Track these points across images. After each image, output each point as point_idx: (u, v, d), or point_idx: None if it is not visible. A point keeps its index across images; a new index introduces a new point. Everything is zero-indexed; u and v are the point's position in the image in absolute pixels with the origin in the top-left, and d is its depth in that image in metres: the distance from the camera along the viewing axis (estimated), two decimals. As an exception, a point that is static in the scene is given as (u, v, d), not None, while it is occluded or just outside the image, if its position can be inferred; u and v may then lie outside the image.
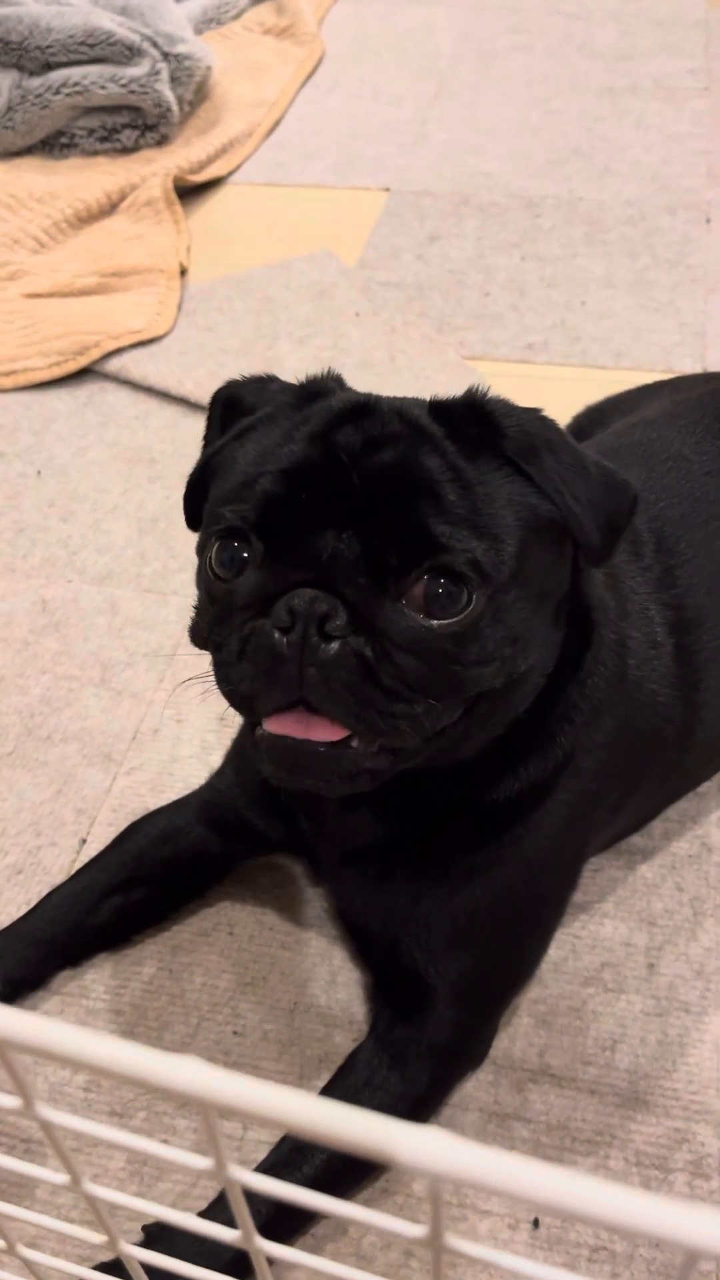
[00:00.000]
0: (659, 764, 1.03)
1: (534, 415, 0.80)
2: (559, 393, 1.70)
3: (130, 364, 1.80)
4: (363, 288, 1.96)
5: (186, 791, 1.14)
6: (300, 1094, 0.34)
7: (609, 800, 0.98)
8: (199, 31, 2.70)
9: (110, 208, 2.21)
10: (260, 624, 0.74)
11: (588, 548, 0.79)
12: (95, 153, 2.36)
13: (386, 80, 2.59)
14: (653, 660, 0.96)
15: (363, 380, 1.73)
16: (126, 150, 2.36)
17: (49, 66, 2.29)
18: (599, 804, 0.96)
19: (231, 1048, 1.02)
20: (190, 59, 2.37)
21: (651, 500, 1.03)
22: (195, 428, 1.71)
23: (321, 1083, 0.96)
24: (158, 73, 2.30)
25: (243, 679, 0.75)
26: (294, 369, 1.75)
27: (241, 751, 1.08)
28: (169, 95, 2.33)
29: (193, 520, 0.89)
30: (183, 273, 2.03)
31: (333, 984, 1.06)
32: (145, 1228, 0.87)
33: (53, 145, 2.36)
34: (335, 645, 0.72)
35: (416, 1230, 0.39)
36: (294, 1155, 0.87)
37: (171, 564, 1.50)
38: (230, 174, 2.32)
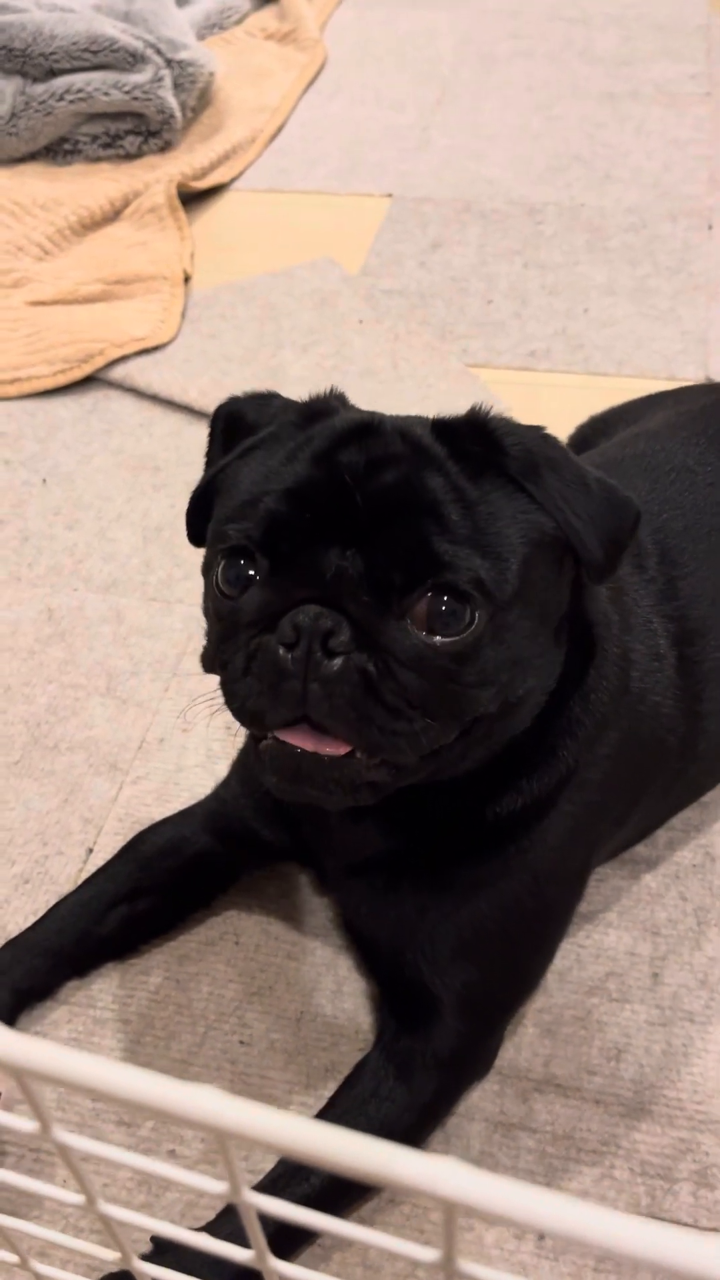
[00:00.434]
0: (663, 775, 1.03)
1: (536, 434, 0.81)
2: (561, 400, 1.71)
3: (134, 371, 1.81)
4: (365, 295, 1.97)
5: (193, 801, 1.14)
6: (317, 1124, 0.35)
7: (613, 812, 0.98)
8: (201, 37, 2.71)
9: (114, 214, 2.21)
10: (265, 640, 0.75)
11: (590, 564, 0.80)
12: (98, 159, 2.37)
13: (388, 86, 2.60)
14: (656, 672, 0.97)
15: (366, 388, 1.75)
16: (130, 157, 2.36)
17: (52, 73, 2.29)
18: (603, 816, 0.96)
19: (238, 1057, 1.03)
20: (193, 65, 2.37)
21: (655, 512, 1.03)
22: (199, 435, 1.71)
23: (328, 1092, 0.96)
24: (161, 79, 2.31)
25: (249, 694, 0.76)
26: (297, 377, 1.77)
27: (247, 762, 1.08)
28: (172, 101, 2.33)
29: (195, 537, 0.90)
30: (186, 280, 2.04)
31: (339, 994, 1.07)
32: (154, 1238, 0.88)
33: (56, 152, 2.37)
34: (339, 661, 0.73)
35: (430, 1255, 0.39)
36: (299, 1169, 0.88)
37: (176, 572, 1.50)
38: (233, 180, 2.32)
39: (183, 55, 2.36)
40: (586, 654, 0.89)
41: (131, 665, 1.39)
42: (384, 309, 1.93)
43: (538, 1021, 1.04)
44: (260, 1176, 0.90)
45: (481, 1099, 0.99)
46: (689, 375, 1.75)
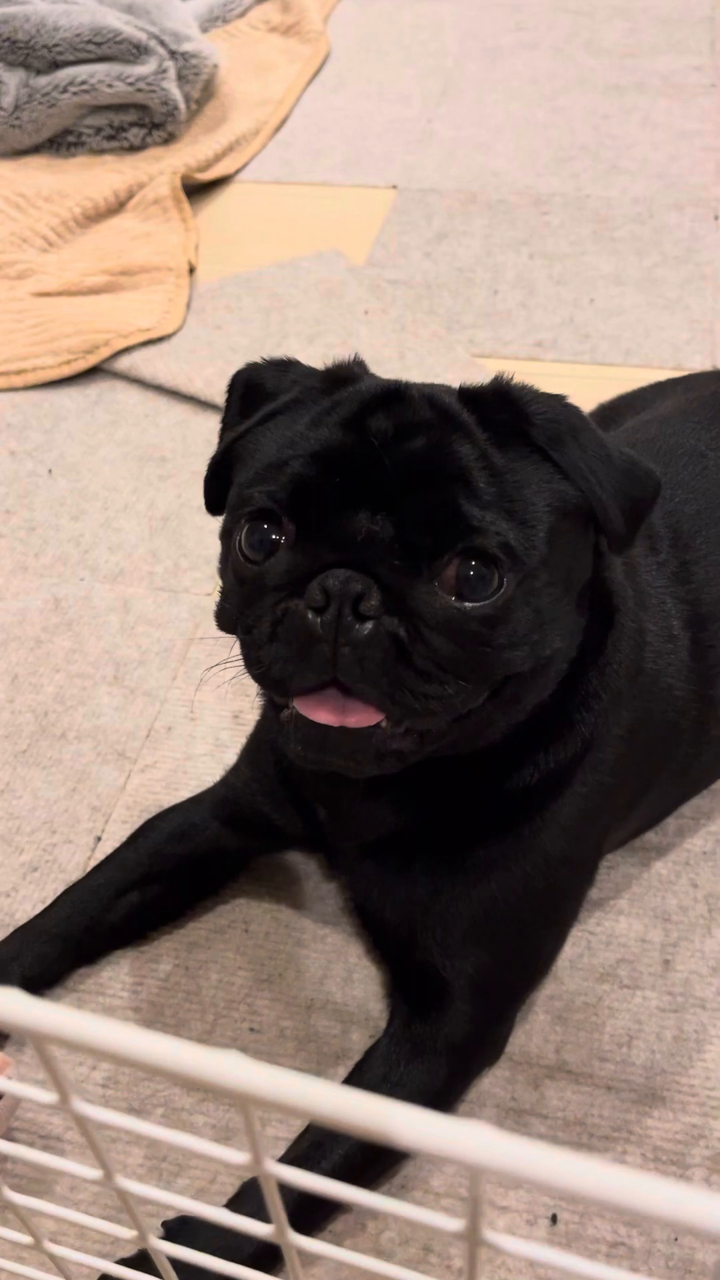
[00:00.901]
0: (674, 759, 1.03)
1: (560, 402, 0.81)
2: (568, 390, 1.69)
3: (140, 362, 1.80)
4: (371, 286, 1.96)
5: (201, 789, 1.14)
6: (339, 1088, 0.34)
7: (625, 795, 0.98)
8: (205, 29, 2.71)
9: (118, 206, 2.21)
10: (293, 604, 0.74)
11: (612, 534, 0.80)
12: (102, 151, 2.36)
13: (392, 78, 2.59)
14: (669, 654, 0.96)
15: (372, 378, 1.74)
16: (134, 148, 2.36)
17: (56, 65, 2.29)
18: (616, 798, 0.96)
19: (248, 1044, 1.02)
20: (197, 57, 2.37)
21: (667, 495, 1.03)
22: (205, 426, 1.71)
23: (338, 1080, 0.96)
24: (164, 71, 2.31)
25: (275, 660, 0.75)
26: (304, 367, 1.76)
27: (257, 746, 1.08)
28: (176, 93, 2.33)
29: (213, 505, 0.89)
30: (191, 271, 2.04)
31: (349, 981, 1.07)
32: (165, 1223, 0.87)
33: (60, 144, 2.36)
34: (369, 625, 0.72)
35: (454, 1224, 0.39)
36: (314, 1150, 0.87)
37: (183, 562, 1.50)
38: (237, 172, 2.32)
39: (186, 47, 2.36)
40: (605, 625, 0.89)
41: (139, 654, 1.39)
42: (390, 299, 1.93)
43: (549, 1008, 1.04)
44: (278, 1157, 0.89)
45: (492, 1085, 0.99)
46: (696, 364, 1.74)
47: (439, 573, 0.74)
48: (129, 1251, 0.84)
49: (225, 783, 1.11)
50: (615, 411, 1.34)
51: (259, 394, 0.85)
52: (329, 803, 0.95)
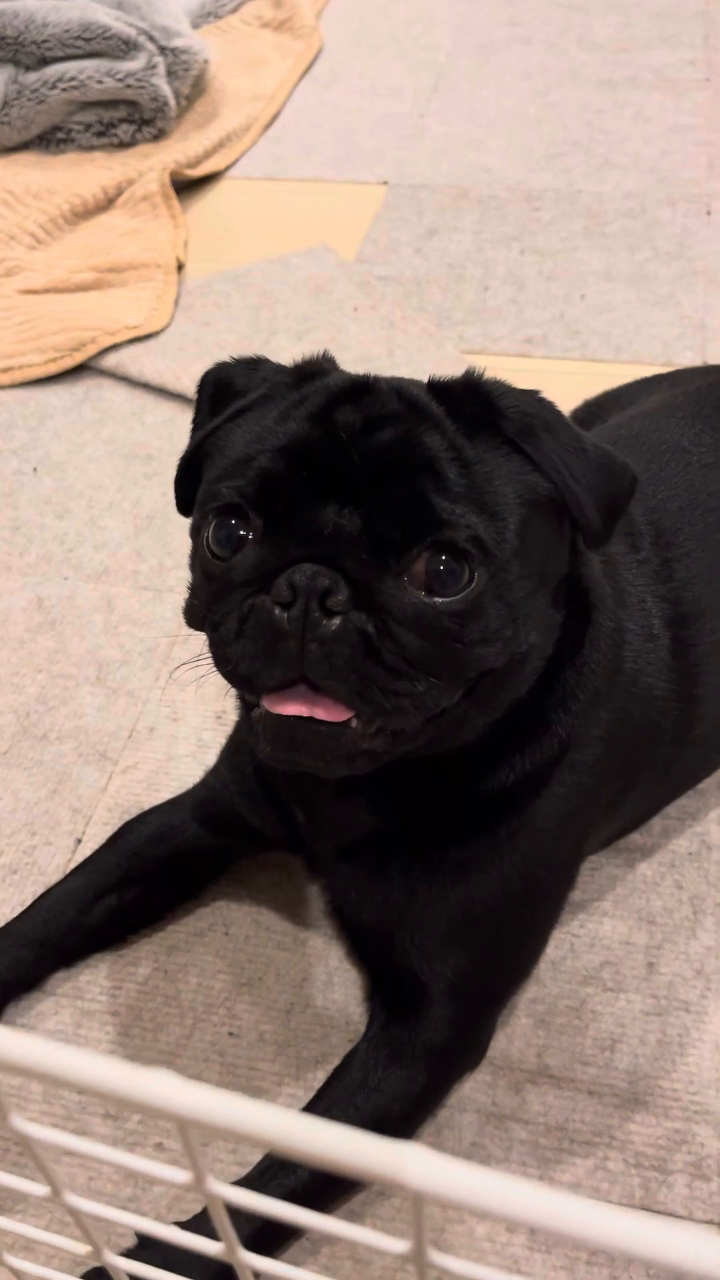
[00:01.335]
0: (656, 759, 1.02)
1: (532, 396, 0.80)
2: (559, 386, 1.67)
3: (127, 360, 1.79)
4: (361, 282, 1.95)
5: (182, 790, 1.13)
6: (278, 1110, 0.33)
7: (606, 796, 0.97)
8: (196, 25, 2.69)
9: (107, 203, 2.19)
10: (260, 600, 0.73)
11: (587, 529, 0.78)
12: (92, 148, 2.35)
13: (384, 73, 2.58)
14: (649, 653, 0.95)
15: (360, 375, 1.72)
16: (123, 145, 2.34)
17: (45, 61, 2.27)
18: (595, 800, 0.94)
19: (227, 1049, 1.01)
20: (187, 53, 2.35)
21: (649, 492, 1.02)
22: (192, 424, 1.70)
23: (318, 1084, 0.95)
24: (154, 67, 2.29)
25: (242, 657, 0.74)
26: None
27: (236, 748, 1.07)
28: (166, 89, 2.31)
29: (184, 506, 0.88)
30: (180, 268, 2.02)
31: (329, 985, 1.06)
32: (139, 1233, 0.86)
33: (49, 140, 2.35)
34: (337, 621, 0.71)
35: (399, 1246, 0.38)
36: (280, 1163, 0.86)
37: (168, 561, 1.49)
38: (228, 168, 2.30)
39: (177, 43, 2.34)
40: (582, 623, 0.87)
41: (122, 654, 1.37)
42: (379, 296, 1.92)
43: (531, 1011, 1.03)
44: (249, 1169, 0.88)
45: (473, 1090, 0.98)
46: (687, 361, 1.73)
47: (408, 567, 0.73)
48: (98, 1262, 0.83)
49: (205, 784, 1.10)
50: (600, 407, 1.33)
51: (228, 392, 0.84)
52: (305, 804, 0.94)
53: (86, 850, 1.13)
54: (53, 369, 1.79)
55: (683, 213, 2.05)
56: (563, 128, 2.33)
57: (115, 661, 1.36)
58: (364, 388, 0.78)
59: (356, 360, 1.77)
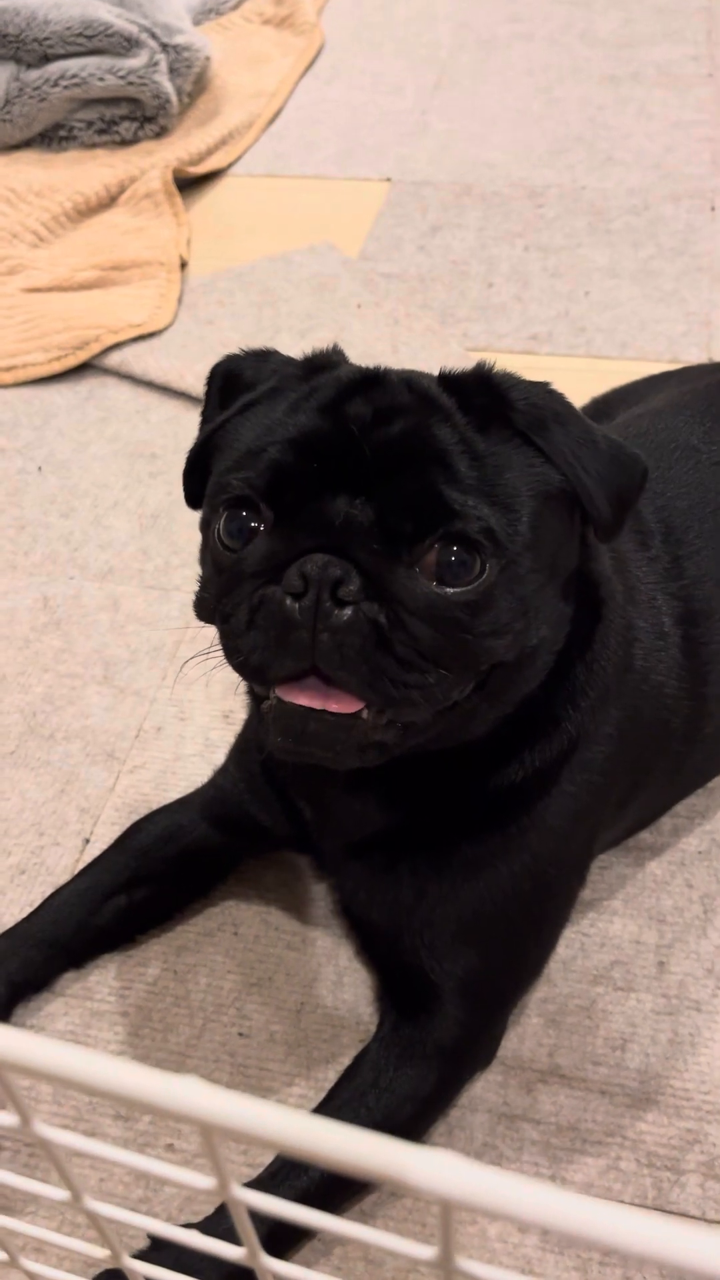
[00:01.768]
0: (666, 758, 1.01)
1: (543, 388, 0.80)
2: (564, 384, 1.67)
3: (131, 358, 1.79)
4: (364, 279, 1.94)
5: (191, 789, 1.12)
6: (302, 1115, 0.33)
7: (615, 794, 0.96)
8: (197, 22, 2.68)
9: (109, 201, 2.19)
10: (271, 591, 0.73)
11: (598, 521, 0.78)
12: (94, 145, 2.34)
13: (386, 70, 2.57)
14: (660, 651, 0.95)
15: (365, 373, 1.72)
16: (125, 142, 2.34)
17: (46, 59, 2.27)
18: (605, 798, 0.94)
19: (237, 1049, 1.01)
20: (189, 50, 2.35)
21: (659, 490, 1.01)
22: (196, 422, 1.69)
23: (329, 1085, 0.94)
24: (156, 64, 2.29)
25: (253, 648, 0.73)
26: (296, 362, 1.74)
27: (245, 746, 1.06)
28: (168, 86, 2.31)
29: (192, 499, 0.88)
30: (183, 265, 2.02)
31: (339, 984, 1.05)
32: (150, 1235, 0.86)
33: (51, 138, 2.35)
34: (349, 611, 0.71)
35: (427, 1252, 0.37)
36: (293, 1165, 0.86)
37: (174, 560, 1.48)
38: (230, 166, 2.30)
39: (178, 40, 2.34)
40: (592, 619, 0.87)
41: (129, 653, 1.37)
42: (383, 293, 1.91)
43: (541, 1011, 1.02)
44: (260, 1170, 0.88)
45: (484, 1090, 0.97)
46: (692, 357, 1.72)
47: (419, 558, 0.72)
48: (111, 1264, 0.82)
49: (213, 783, 1.09)
50: (608, 405, 1.33)
51: (237, 384, 0.84)
52: (313, 801, 0.94)
53: (94, 851, 1.13)
54: (56, 368, 1.79)
55: (687, 209, 2.05)
56: (566, 124, 2.32)
57: (122, 661, 1.36)
58: (374, 380, 0.77)
59: (361, 357, 1.75)
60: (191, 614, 1.40)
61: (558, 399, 0.80)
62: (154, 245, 2.03)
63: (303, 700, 0.72)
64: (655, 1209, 0.90)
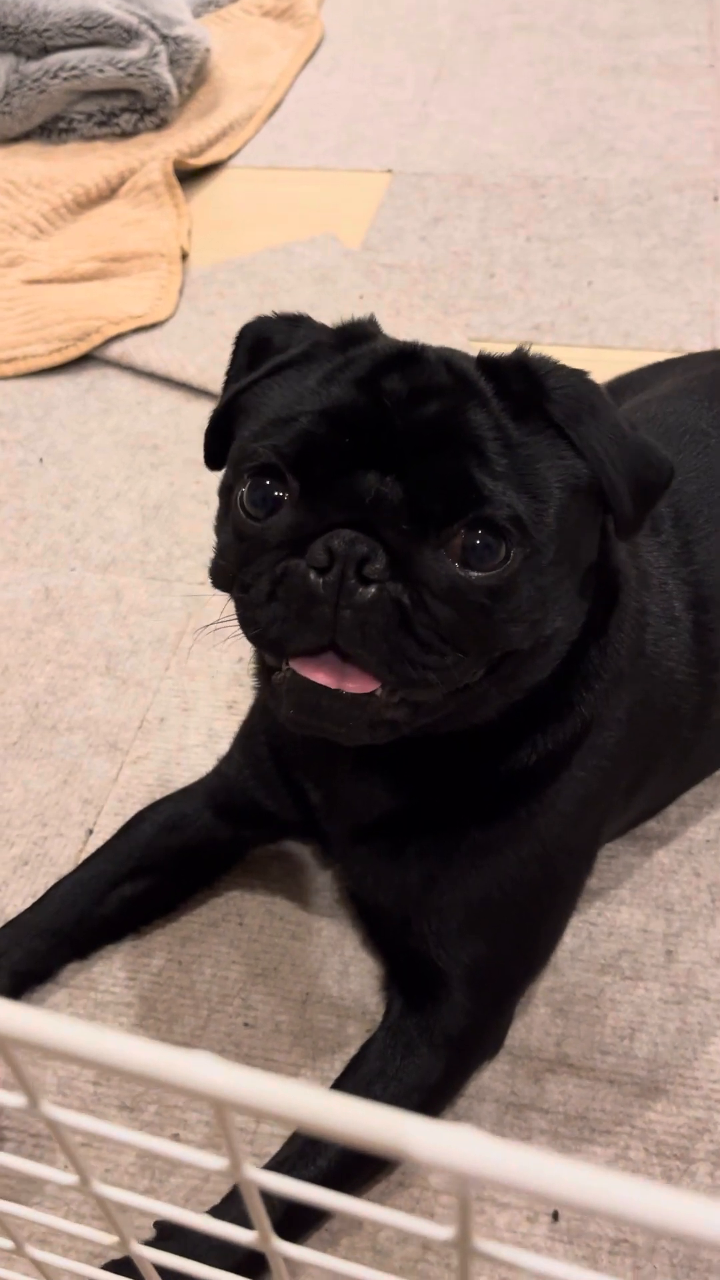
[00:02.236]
0: (675, 744, 1.01)
1: (580, 377, 0.79)
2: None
3: (132, 349, 1.78)
4: (366, 270, 1.94)
5: (194, 780, 1.12)
6: (318, 1091, 0.32)
7: (625, 781, 0.96)
8: (197, 14, 2.68)
9: (110, 192, 2.18)
10: (295, 564, 0.72)
11: (621, 517, 0.78)
12: (94, 137, 2.33)
13: (387, 61, 2.56)
14: (670, 636, 0.94)
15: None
16: (125, 134, 2.33)
17: (46, 50, 2.26)
18: (615, 783, 0.94)
19: (242, 1040, 1.00)
20: (189, 41, 2.34)
21: (668, 475, 1.01)
22: (197, 413, 1.69)
23: (335, 1074, 0.94)
24: (156, 55, 2.28)
25: (273, 620, 0.73)
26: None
27: (250, 732, 1.06)
28: (167, 78, 2.30)
29: (213, 458, 0.87)
30: (184, 257, 2.01)
31: (345, 974, 1.05)
32: (157, 1223, 0.85)
33: (51, 130, 2.34)
34: (373, 589, 0.70)
35: (444, 1232, 0.37)
36: (309, 1147, 0.85)
37: (176, 550, 1.48)
38: (231, 157, 2.29)
39: (178, 31, 2.33)
40: (607, 606, 0.87)
41: (131, 644, 1.36)
42: (385, 284, 1.90)
43: (549, 1000, 1.02)
44: (265, 1160, 0.88)
45: (492, 1079, 0.97)
46: (696, 347, 1.71)
47: (446, 541, 0.72)
48: (117, 1254, 0.82)
49: (218, 772, 1.08)
50: (614, 392, 1.32)
51: (267, 348, 0.83)
52: (321, 782, 0.93)
53: (98, 841, 1.12)
54: (57, 359, 1.78)
55: (690, 199, 2.04)
56: (567, 115, 2.31)
57: (124, 651, 1.35)
58: (412, 356, 0.76)
59: (363, 348, 1.75)
60: (192, 604, 1.40)
61: (594, 390, 0.79)
62: (154, 237, 2.02)
63: (319, 677, 0.71)
64: (665, 1198, 0.90)
